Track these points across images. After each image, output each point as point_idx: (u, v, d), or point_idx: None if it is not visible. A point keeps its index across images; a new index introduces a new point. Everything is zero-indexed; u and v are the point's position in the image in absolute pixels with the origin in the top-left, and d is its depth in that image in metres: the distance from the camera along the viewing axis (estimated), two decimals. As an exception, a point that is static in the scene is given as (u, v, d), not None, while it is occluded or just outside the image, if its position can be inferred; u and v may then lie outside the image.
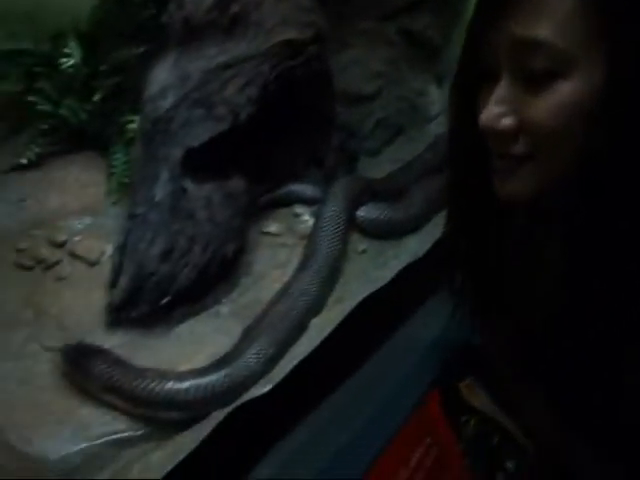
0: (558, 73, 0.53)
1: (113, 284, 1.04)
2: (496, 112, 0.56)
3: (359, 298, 1.17)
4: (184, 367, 0.96)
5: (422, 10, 1.74)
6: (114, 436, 0.87)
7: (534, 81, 0.54)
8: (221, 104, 1.15)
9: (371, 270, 1.29)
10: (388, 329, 1.15)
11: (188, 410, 0.88)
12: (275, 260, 1.26)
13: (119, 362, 0.91)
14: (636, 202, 0.51)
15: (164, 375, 0.89)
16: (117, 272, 1.04)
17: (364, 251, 1.34)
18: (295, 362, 0.96)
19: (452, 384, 0.98)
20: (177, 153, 1.09)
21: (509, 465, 0.86)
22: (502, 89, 0.56)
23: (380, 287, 1.16)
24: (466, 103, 0.62)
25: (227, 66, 1.17)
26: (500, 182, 0.60)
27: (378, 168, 1.65)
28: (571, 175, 0.53)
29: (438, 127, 1.84)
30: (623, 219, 0.51)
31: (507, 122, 0.56)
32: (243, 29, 1.25)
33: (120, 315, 1.01)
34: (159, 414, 0.89)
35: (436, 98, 1.92)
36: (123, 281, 1.02)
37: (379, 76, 1.80)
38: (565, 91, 0.53)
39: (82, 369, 0.91)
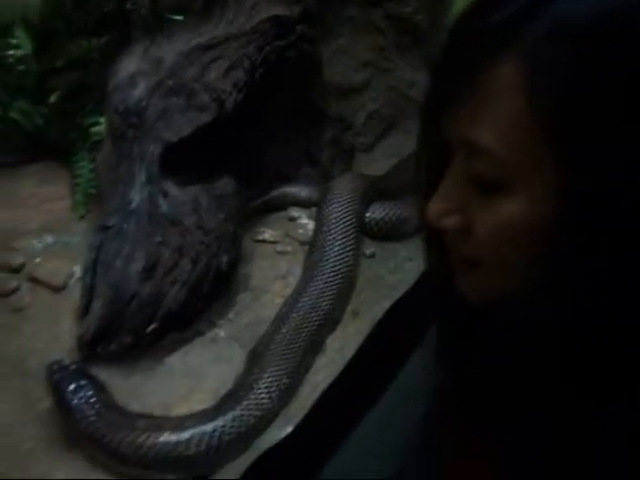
0: (503, 185, 0.46)
1: (85, 312, 0.85)
2: (440, 208, 0.50)
3: (378, 308, 1.01)
4: (180, 410, 0.79)
5: (409, -6, 1.62)
6: (96, 508, 0.68)
7: (480, 186, 0.47)
8: (202, 91, 0.98)
9: (386, 275, 1.14)
10: (414, 341, 0.99)
11: (192, 468, 0.70)
12: (275, 271, 1.11)
13: (107, 402, 0.72)
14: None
15: (158, 425, 0.71)
16: (89, 297, 0.86)
17: (372, 255, 1.19)
18: (317, 393, 0.78)
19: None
20: (154, 150, 0.92)
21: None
22: (449, 183, 0.50)
23: (403, 294, 0.99)
24: (429, 177, 0.54)
25: (207, 47, 1.00)
26: (456, 278, 0.54)
27: (374, 165, 1.51)
28: (527, 286, 0.47)
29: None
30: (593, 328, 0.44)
31: (451, 221, 0.50)
32: (221, 8, 1.09)
33: (95, 349, 0.83)
34: (153, 474, 0.70)
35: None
36: (97, 307, 0.84)
37: (367, 66, 1.68)
38: (508, 209, 0.46)
39: (63, 404, 0.74)
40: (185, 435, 0.70)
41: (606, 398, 0.45)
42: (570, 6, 0.42)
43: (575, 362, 0.46)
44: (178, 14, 1.15)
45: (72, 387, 0.73)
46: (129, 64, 1.07)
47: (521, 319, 0.48)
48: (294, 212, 1.25)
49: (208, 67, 0.99)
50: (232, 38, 1.04)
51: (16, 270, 0.98)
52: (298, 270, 1.09)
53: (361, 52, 1.66)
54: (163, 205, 0.90)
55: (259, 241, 1.17)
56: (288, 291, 1.04)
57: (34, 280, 0.96)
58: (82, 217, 1.15)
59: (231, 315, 1.00)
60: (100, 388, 0.75)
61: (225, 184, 1.03)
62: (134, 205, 0.89)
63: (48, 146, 1.26)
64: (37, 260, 1.00)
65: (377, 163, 1.52)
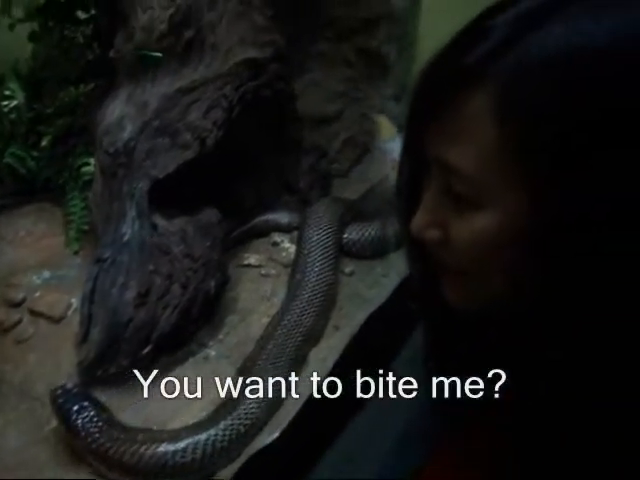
0: (475, 201, 0.50)
1: (84, 339, 0.91)
2: (423, 222, 0.54)
3: (357, 321, 1.09)
4: (176, 424, 0.85)
5: (376, 28, 1.73)
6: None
7: (456, 201, 0.51)
8: (185, 130, 1.06)
9: (363, 291, 1.21)
10: (393, 349, 1.06)
11: (189, 474, 0.76)
12: (260, 293, 1.17)
13: (109, 420, 0.78)
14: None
15: (156, 437, 0.77)
16: (87, 325, 0.92)
17: (352, 273, 1.27)
18: (301, 402, 0.85)
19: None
20: (143, 186, 1.00)
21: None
22: (430, 198, 0.54)
23: (378, 306, 1.07)
24: (410, 193, 0.58)
25: (188, 90, 1.09)
26: (443, 289, 0.57)
27: (349, 189, 1.60)
28: (507, 294, 0.51)
29: (400, 144, 1.84)
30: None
31: (433, 234, 0.54)
32: (199, 53, 1.18)
33: (95, 372, 0.89)
34: (155, 483, 0.76)
35: (395, 114, 1.91)
36: (95, 333, 0.90)
37: (340, 96, 1.78)
38: (482, 222, 0.50)
39: (68, 425, 0.80)
40: (181, 444, 0.76)
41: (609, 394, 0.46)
42: (533, 46, 0.46)
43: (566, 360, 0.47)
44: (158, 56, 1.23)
45: (75, 408, 0.79)
46: (116, 108, 1.15)
47: (511, 323, 0.51)
48: (277, 237, 1.32)
49: (189, 108, 1.08)
50: (210, 81, 1.13)
51: (18, 304, 1.03)
52: (282, 291, 1.15)
53: (333, 84, 1.77)
54: (153, 237, 0.98)
55: (244, 266, 1.23)
56: (274, 311, 1.10)
57: (35, 313, 1.02)
58: (76, 252, 1.21)
59: (221, 335, 1.06)
60: (101, 408, 0.81)
61: (209, 215, 1.10)
62: (126, 238, 0.96)
63: (41, 187, 1.33)
64: (37, 294, 1.05)
65: (352, 187, 1.60)
